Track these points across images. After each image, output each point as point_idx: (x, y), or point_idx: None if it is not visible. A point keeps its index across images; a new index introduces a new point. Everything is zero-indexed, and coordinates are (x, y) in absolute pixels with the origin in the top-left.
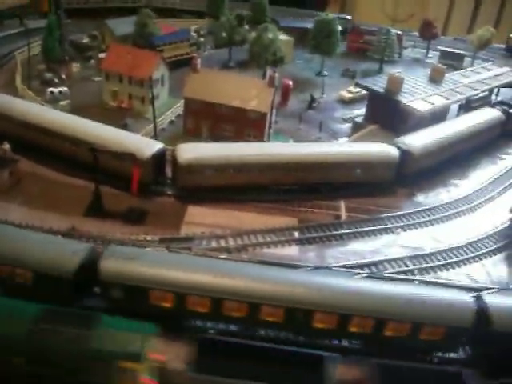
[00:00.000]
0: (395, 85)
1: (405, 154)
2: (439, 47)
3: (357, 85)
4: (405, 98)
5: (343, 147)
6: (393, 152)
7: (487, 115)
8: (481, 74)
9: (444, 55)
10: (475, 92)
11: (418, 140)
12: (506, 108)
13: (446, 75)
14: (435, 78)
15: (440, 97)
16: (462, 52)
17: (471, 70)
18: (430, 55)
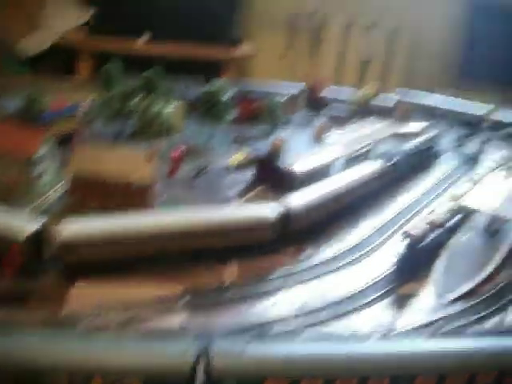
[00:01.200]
0: (277, 148)
1: (288, 212)
2: (329, 107)
3: (244, 151)
4: (287, 160)
5: (227, 211)
6: (275, 212)
7: (368, 168)
8: (363, 129)
9: (333, 115)
10: (358, 147)
11: (301, 198)
12: (387, 159)
13: (330, 133)
14: (319, 137)
15: (322, 155)
16: (350, 112)
17: (354, 126)
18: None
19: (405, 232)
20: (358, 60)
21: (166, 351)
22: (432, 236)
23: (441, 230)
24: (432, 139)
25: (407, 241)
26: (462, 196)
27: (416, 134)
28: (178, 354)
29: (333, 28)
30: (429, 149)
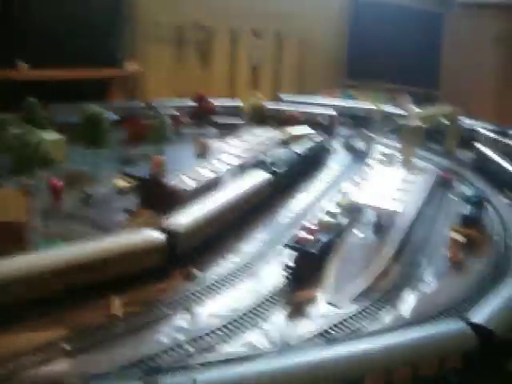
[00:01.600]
0: (158, 167)
1: (172, 234)
2: (216, 120)
3: (125, 174)
4: (170, 179)
5: (110, 241)
6: (158, 236)
7: (256, 178)
8: (246, 140)
9: (220, 127)
10: (243, 159)
11: (186, 217)
12: (274, 169)
13: (215, 146)
14: (203, 151)
15: (208, 169)
16: (237, 122)
17: (240, 138)
18: (209, 126)
19: (292, 240)
20: (248, 66)
21: None
22: (322, 239)
23: (330, 232)
24: (321, 141)
25: (295, 248)
26: (351, 194)
27: (304, 138)
28: None
29: (220, 38)
30: (319, 150)
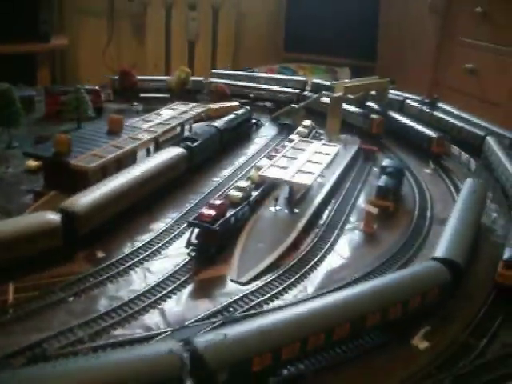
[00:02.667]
0: (63, 146)
1: (69, 216)
2: (142, 95)
3: (26, 154)
4: (75, 158)
5: (8, 224)
6: (54, 218)
7: (170, 154)
8: (164, 115)
9: (145, 102)
10: (155, 134)
11: (86, 197)
12: (189, 144)
13: (127, 123)
14: (114, 129)
15: (116, 148)
16: (162, 95)
17: (155, 113)
18: (135, 104)
19: (196, 216)
20: (184, 40)
21: None
22: (226, 214)
23: (237, 207)
24: (245, 114)
25: (196, 225)
26: (265, 168)
27: (228, 112)
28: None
29: (154, 10)
30: (241, 124)
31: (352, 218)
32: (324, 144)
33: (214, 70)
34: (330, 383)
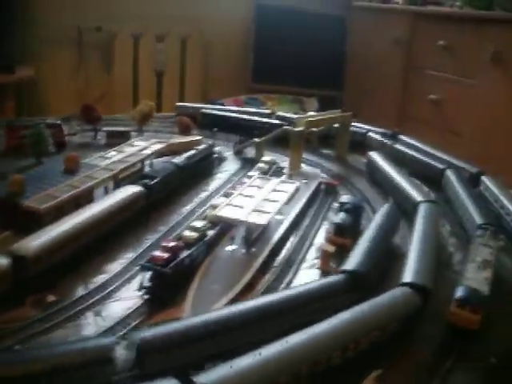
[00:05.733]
0: (17, 186)
1: (20, 259)
2: (105, 128)
3: None
4: (29, 198)
5: None
6: (2, 262)
7: (127, 192)
8: (123, 152)
9: (110, 135)
10: (113, 172)
11: (39, 240)
12: (147, 182)
13: (84, 161)
14: (70, 167)
15: (72, 187)
16: (126, 129)
17: (114, 151)
18: (99, 137)
19: (149, 257)
20: (152, 72)
21: None
22: (179, 256)
23: (192, 248)
24: (207, 149)
25: (148, 268)
26: (222, 206)
27: (191, 147)
28: None
29: (122, 41)
30: (203, 159)
31: (309, 256)
32: (283, 182)
33: (178, 104)
34: None
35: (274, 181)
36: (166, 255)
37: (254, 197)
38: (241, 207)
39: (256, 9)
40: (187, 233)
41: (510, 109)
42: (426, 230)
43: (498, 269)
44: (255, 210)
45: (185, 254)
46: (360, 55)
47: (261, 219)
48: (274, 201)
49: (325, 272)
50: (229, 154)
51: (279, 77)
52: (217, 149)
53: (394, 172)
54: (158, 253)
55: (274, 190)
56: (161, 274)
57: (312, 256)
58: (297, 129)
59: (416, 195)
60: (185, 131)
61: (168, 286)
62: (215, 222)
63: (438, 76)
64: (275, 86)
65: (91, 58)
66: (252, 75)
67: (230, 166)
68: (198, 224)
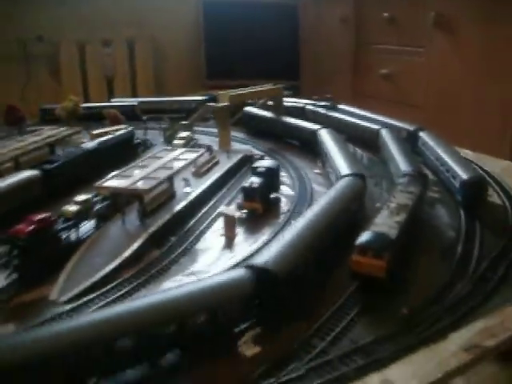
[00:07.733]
0: None
1: None
2: (29, 128)
3: None
4: None
5: None
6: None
7: (21, 176)
8: (26, 140)
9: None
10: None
11: None
12: (46, 166)
13: None
14: None
15: None
16: (49, 127)
17: (17, 140)
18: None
19: (9, 232)
20: (101, 77)
21: None
22: (49, 229)
23: (71, 222)
24: (125, 135)
25: (4, 241)
26: (109, 176)
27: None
28: None
29: (67, 50)
30: (124, 144)
31: (217, 225)
32: (188, 151)
33: (113, 99)
34: None
35: (178, 151)
36: (30, 228)
37: (147, 167)
38: (127, 177)
39: (204, 4)
40: (67, 207)
41: (460, 70)
42: (316, 210)
43: (430, 219)
44: (143, 179)
45: (59, 227)
46: (312, 41)
47: (145, 185)
48: (168, 168)
49: (229, 239)
50: (161, 140)
51: (235, 71)
52: (149, 137)
53: (331, 143)
54: (20, 226)
55: (175, 159)
56: (19, 247)
57: (220, 224)
58: (220, 104)
59: (341, 169)
60: (114, 121)
61: (31, 261)
62: (101, 193)
63: (387, 49)
64: (231, 81)
65: (39, 69)
66: (206, 72)
67: (156, 151)
68: (82, 197)
